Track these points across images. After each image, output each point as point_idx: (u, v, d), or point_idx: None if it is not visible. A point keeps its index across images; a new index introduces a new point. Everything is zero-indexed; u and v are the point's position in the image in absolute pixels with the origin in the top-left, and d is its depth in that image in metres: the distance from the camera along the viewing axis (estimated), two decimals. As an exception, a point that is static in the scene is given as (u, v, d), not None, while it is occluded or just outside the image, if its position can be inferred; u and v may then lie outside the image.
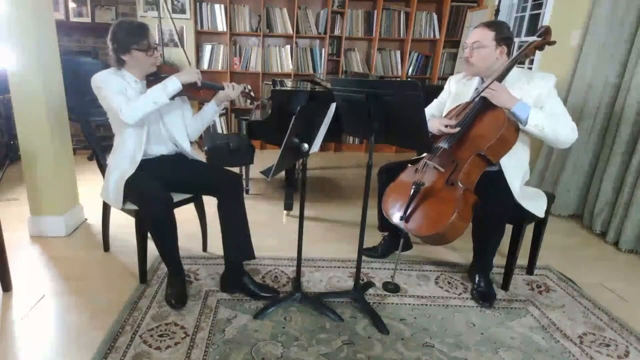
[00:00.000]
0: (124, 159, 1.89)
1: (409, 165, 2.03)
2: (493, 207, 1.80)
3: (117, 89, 1.79)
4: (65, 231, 2.43)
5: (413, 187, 1.82)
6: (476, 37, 1.90)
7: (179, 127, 2.04)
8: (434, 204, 1.79)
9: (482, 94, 1.82)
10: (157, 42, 1.90)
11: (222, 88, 2.01)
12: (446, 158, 1.87)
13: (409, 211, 1.80)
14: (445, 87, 2.20)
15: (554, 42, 1.92)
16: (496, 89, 1.79)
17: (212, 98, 2.04)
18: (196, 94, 1.98)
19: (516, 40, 3.92)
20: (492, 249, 1.96)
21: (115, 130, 1.95)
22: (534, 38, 1.93)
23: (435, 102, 2.24)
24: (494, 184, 1.86)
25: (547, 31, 1.91)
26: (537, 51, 1.96)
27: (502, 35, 1.88)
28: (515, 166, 1.90)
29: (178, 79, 1.81)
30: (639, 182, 2.48)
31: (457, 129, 1.85)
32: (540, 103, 1.83)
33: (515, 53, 1.95)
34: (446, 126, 1.88)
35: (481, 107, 1.85)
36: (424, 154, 2.01)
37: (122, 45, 1.81)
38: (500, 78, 1.85)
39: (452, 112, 1.99)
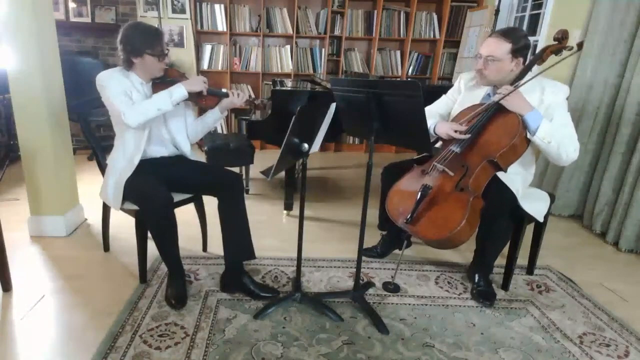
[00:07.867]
0: (123, 160, 1.89)
1: (415, 165, 1.98)
2: (492, 207, 1.78)
3: (120, 90, 1.78)
4: (65, 231, 2.43)
5: (420, 190, 1.78)
6: (491, 49, 1.82)
7: (181, 130, 2.04)
8: (442, 208, 1.75)
9: (495, 99, 1.76)
10: (168, 48, 1.89)
11: (227, 95, 1.97)
12: (456, 162, 1.82)
13: (415, 214, 1.77)
14: (455, 84, 2.13)
15: (570, 47, 1.79)
16: (510, 94, 1.72)
17: (216, 105, 2.01)
18: (200, 100, 1.94)
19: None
20: (492, 250, 1.95)
21: (116, 130, 1.95)
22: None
23: (443, 100, 2.16)
24: (494, 185, 1.83)
25: (564, 35, 1.79)
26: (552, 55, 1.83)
27: (519, 45, 1.80)
28: (517, 170, 1.88)
29: (184, 87, 1.79)
30: (639, 182, 2.48)
31: (468, 135, 1.80)
32: (550, 113, 1.80)
33: (529, 57, 1.85)
34: (456, 131, 1.83)
35: (495, 112, 1.80)
36: (427, 155, 1.97)
37: (136, 49, 1.79)
38: (513, 83, 1.79)
39: (462, 115, 1.92)
